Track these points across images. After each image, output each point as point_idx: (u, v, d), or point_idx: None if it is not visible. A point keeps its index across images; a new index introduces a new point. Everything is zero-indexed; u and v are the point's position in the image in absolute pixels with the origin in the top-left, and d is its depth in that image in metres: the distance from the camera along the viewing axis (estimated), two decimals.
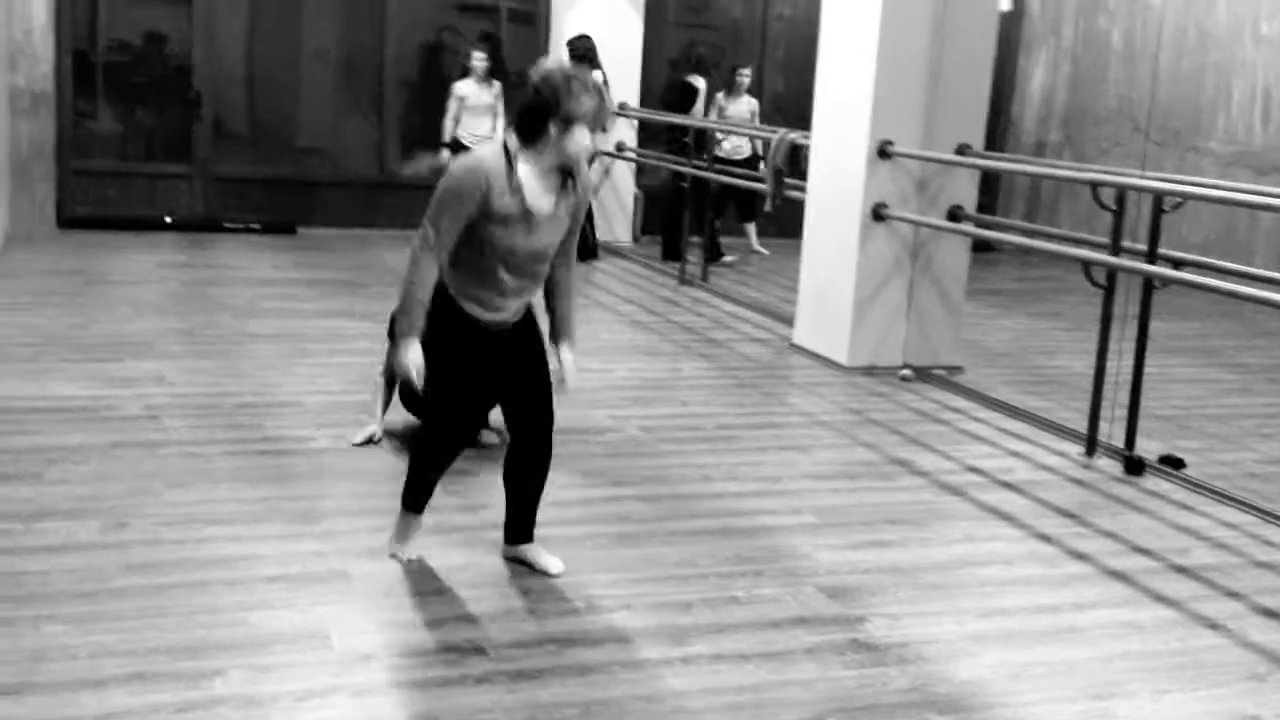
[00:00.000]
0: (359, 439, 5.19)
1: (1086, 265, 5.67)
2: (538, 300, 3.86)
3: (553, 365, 3.86)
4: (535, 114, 3.56)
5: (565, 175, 3.68)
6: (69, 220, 10.23)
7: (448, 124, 10.12)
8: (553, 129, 3.55)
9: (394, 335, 4.82)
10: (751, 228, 11.25)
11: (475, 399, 4.00)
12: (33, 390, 5.62)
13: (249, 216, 10.68)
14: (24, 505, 4.24)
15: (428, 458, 3.96)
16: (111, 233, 10.08)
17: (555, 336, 3.88)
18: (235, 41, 10.80)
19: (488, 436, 5.19)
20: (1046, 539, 4.56)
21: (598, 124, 3.64)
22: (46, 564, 3.78)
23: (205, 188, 10.68)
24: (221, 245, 9.98)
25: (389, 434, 5.22)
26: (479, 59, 10.17)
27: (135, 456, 4.82)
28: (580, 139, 3.59)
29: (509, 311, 3.76)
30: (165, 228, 10.41)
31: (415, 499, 4.00)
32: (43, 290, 7.84)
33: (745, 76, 10.92)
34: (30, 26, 9.85)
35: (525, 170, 3.60)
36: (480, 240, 3.60)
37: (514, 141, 3.62)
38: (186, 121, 10.60)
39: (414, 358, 3.61)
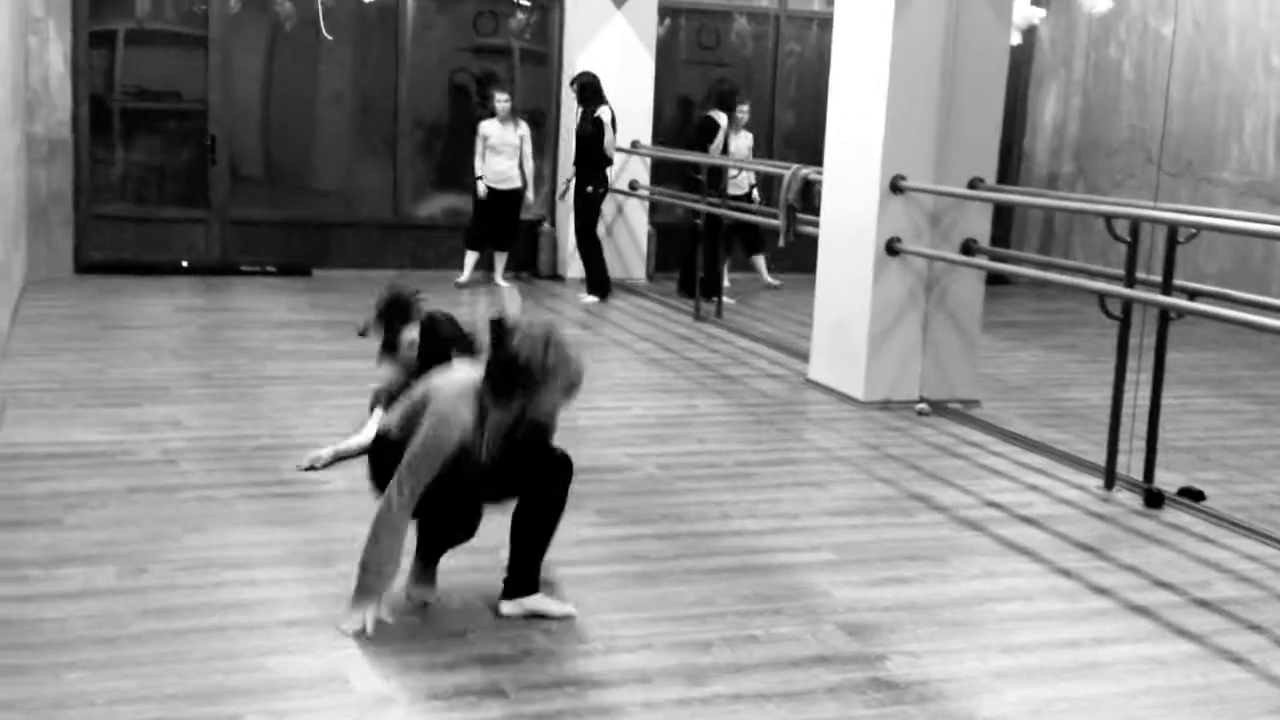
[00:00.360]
0: (304, 464, 5.29)
1: (1102, 297, 5.66)
2: None
3: None
4: (508, 382, 3.61)
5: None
6: (86, 265, 10.30)
7: (477, 162, 10.51)
8: (521, 397, 3.62)
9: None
10: (760, 260, 11.29)
11: (470, 506, 3.94)
12: (50, 436, 5.64)
13: (265, 259, 10.74)
14: (42, 551, 4.25)
15: (439, 537, 3.98)
16: (129, 277, 10.14)
17: None
18: (251, 86, 10.89)
19: None
20: (1067, 574, 4.53)
21: (570, 393, 3.70)
22: (65, 610, 3.78)
23: (221, 231, 10.74)
24: (238, 288, 10.04)
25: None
26: (502, 100, 10.40)
27: (153, 501, 4.83)
28: (549, 404, 3.67)
29: None
30: (182, 272, 10.48)
31: (428, 553, 4.00)
32: (60, 335, 7.88)
33: (744, 113, 10.97)
34: (47, 75, 9.96)
35: (493, 416, 3.67)
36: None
37: (486, 393, 3.65)
38: (202, 166, 10.68)
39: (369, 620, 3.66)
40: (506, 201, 10.56)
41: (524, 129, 10.57)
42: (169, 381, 6.76)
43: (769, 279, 11.25)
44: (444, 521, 3.89)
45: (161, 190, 10.77)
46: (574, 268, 11.06)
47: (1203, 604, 4.28)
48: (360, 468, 5.32)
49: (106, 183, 10.56)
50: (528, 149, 10.57)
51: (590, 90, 10.35)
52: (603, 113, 10.32)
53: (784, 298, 10.68)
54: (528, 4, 11.49)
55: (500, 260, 10.77)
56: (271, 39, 10.92)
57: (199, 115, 10.64)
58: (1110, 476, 5.63)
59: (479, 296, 10.13)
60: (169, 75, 10.68)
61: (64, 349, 7.49)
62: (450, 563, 4.24)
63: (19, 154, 8.86)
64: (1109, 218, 5.86)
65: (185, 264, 10.54)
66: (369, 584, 3.67)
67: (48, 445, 5.50)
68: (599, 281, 10.34)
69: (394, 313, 5.39)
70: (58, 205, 10.15)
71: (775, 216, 8.43)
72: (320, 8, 9.30)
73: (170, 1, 10.55)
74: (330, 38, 9.95)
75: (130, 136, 10.62)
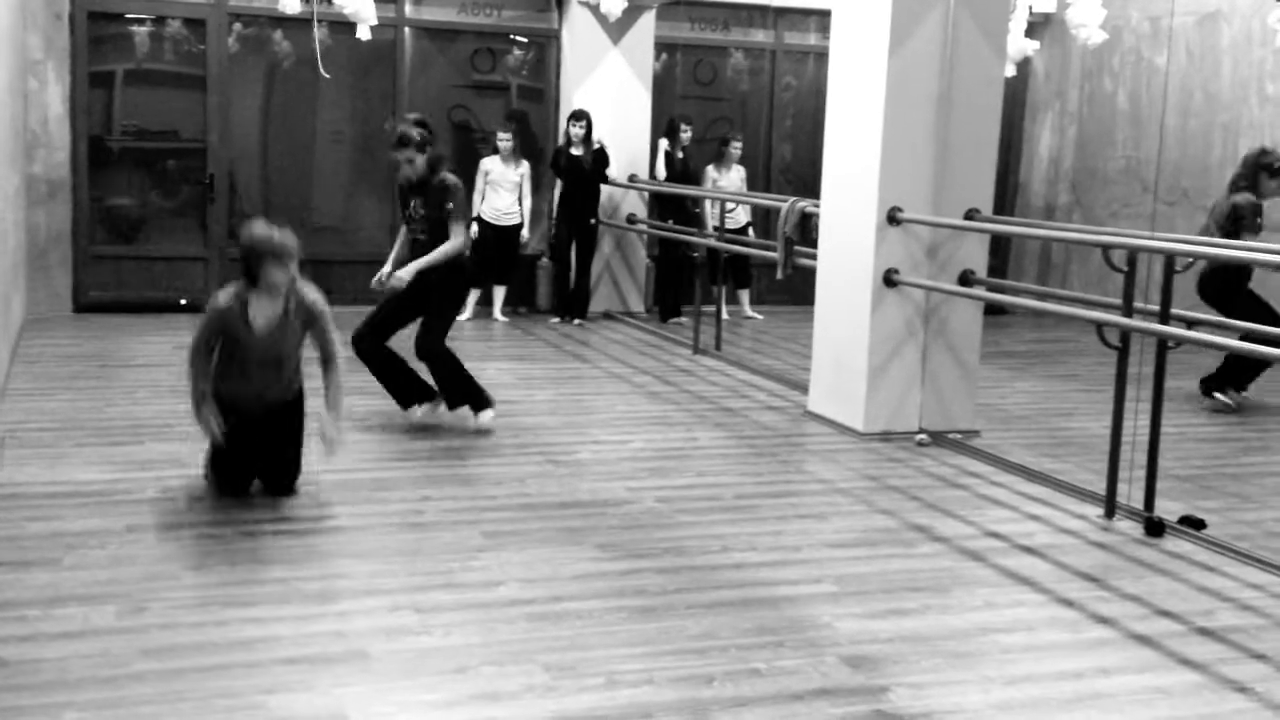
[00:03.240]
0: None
1: (1100, 327, 5.66)
2: None
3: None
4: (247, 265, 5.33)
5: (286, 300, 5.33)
6: (86, 304, 10.32)
7: (476, 200, 10.54)
8: (259, 273, 5.26)
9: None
10: (745, 294, 11.47)
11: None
12: (50, 475, 5.63)
13: None
14: (41, 591, 4.23)
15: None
16: (128, 316, 10.16)
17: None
18: (250, 125, 10.94)
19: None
20: (1069, 603, 4.52)
21: (283, 258, 5.31)
22: (64, 650, 3.77)
23: (220, 269, 10.76)
24: None
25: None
26: (504, 139, 10.50)
27: (153, 540, 4.82)
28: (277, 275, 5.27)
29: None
30: (180, 310, 10.49)
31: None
32: (60, 375, 7.89)
33: (736, 149, 11.14)
34: (47, 116, 10.01)
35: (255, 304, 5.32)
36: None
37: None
38: (201, 204, 10.72)
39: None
40: (505, 237, 10.63)
41: (525, 167, 10.67)
42: (169, 419, 6.75)
43: (749, 312, 11.42)
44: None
45: (160, 229, 10.80)
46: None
47: (1206, 633, 4.27)
48: (357, 504, 5.34)
49: (105, 222, 10.60)
50: (527, 186, 10.66)
51: (590, 124, 10.59)
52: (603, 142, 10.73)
53: (783, 330, 10.70)
54: (524, 40, 11.58)
55: (499, 295, 10.85)
56: (269, 78, 10.97)
57: (197, 154, 10.68)
58: (1111, 506, 5.62)
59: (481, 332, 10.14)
60: (167, 114, 10.72)
61: (63, 388, 7.50)
62: (449, 598, 4.24)
63: (18, 195, 8.89)
64: (1106, 248, 5.87)
65: (183, 302, 10.55)
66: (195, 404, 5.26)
67: (47, 484, 5.49)
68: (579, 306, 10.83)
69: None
70: (57, 245, 10.19)
71: (772, 249, 8.46)
72: (318, 46, 9.34)
73: (169, 42, 10.62)
74: (328, 76, 9.99)
75: (129, 176, 10.66)
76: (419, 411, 6.78)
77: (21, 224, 9.29)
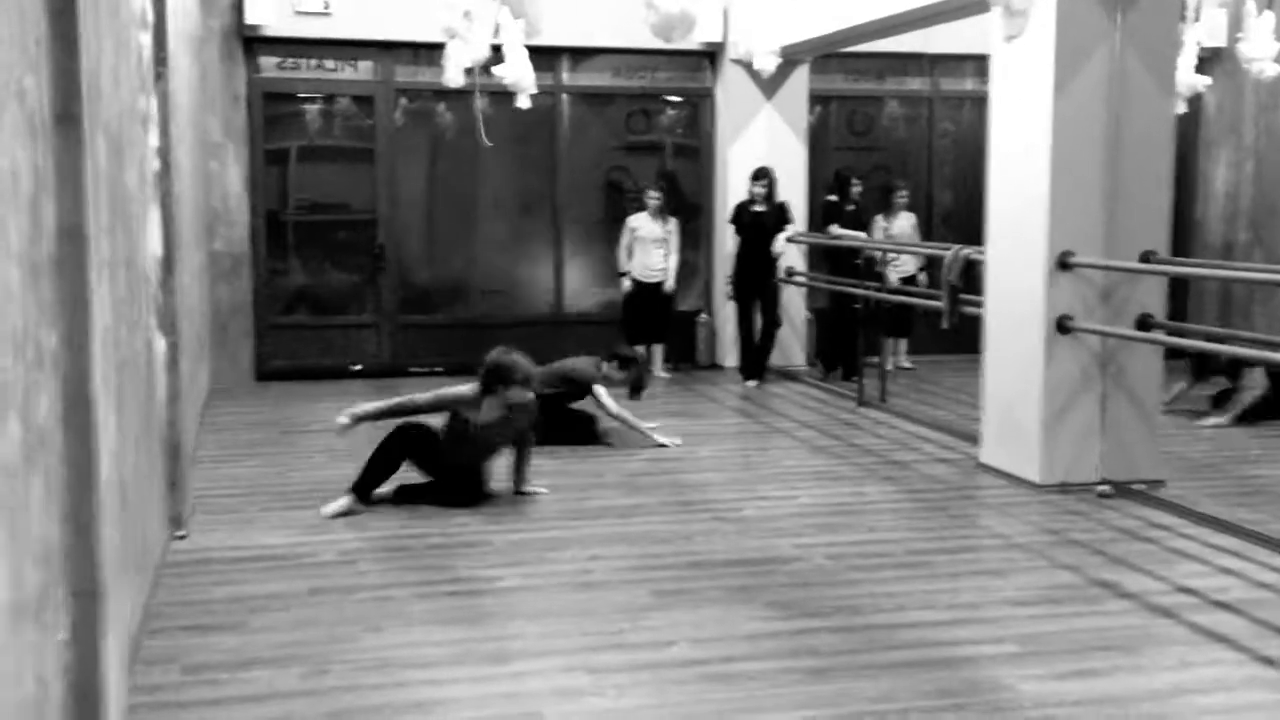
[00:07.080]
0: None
1: None
2: None
3: None
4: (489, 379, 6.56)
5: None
6: (265, 373, 10.72)
7: (621, 255, 10.79)
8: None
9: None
10: (904, 343, 11.27)
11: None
12: (235, 540, 5.82)
13: (433, 360, 11.02)
14: (229, 655, 4.36)
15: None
16: (305, 382, 10.51)
17: None
18: (416, 196, 11.27)
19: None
20: (1269, 662, 4.28)
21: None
22: (252, 713, 3.86)
23: (391, 335, 11.08)
24: (407, 389, 10.23)
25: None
26: (653, 196, 10.63)
27: (333, 602, 4.93)
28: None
29: None
30: (354, 375, 10.81)
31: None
32: (244, 442, 8.18)
33: (903, 197, 11.03)
34: (227, 194, 10.48)
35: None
36: None
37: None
38: (372, 274, 11.06)
39: None
40: (656, 293, 10.72)
41: (672, 224, 10.75)
42: (345, 483, 6.92)
43: (905, 363, 11.25)
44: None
45: (333, 298, 11.17)
46: (732, 356, 11.13)
47: None
48: (530, 564, 5.38)
49: (282, 293, 11.01)
50: (675, 242, 10.73)
51: (773, 181, 10.53)
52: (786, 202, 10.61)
53: (950, 379, 10.48)
54: (679, 99, 11.69)
55: (657, 352, 10.89)
56: (434, 148, 11.30)
57: (368, 225, 11.04)
58: None
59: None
60: (338, 188, 11.13)
61: (247, 454, 7.77)
62: (621, 659, 4.22)
63: (202, 271, 9.30)
64: None
65: (357, 368, 10.87)
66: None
67: (233, 549, 5.67)
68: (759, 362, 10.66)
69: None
70: (238, 317, 10.62)
71: (937, 299, 8.32)
72: (479, 116, 9.59)
73: (339, 118, 11.03)
74: (490, 144, 10.23)
75: (303, 248, 11.06)
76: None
77: (206, 298, 9.71)
